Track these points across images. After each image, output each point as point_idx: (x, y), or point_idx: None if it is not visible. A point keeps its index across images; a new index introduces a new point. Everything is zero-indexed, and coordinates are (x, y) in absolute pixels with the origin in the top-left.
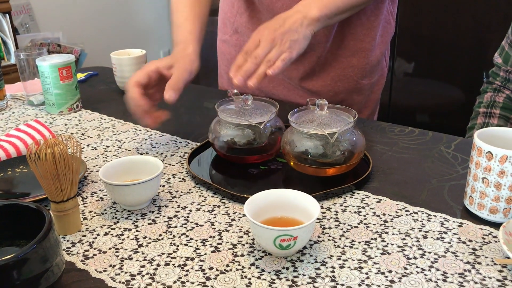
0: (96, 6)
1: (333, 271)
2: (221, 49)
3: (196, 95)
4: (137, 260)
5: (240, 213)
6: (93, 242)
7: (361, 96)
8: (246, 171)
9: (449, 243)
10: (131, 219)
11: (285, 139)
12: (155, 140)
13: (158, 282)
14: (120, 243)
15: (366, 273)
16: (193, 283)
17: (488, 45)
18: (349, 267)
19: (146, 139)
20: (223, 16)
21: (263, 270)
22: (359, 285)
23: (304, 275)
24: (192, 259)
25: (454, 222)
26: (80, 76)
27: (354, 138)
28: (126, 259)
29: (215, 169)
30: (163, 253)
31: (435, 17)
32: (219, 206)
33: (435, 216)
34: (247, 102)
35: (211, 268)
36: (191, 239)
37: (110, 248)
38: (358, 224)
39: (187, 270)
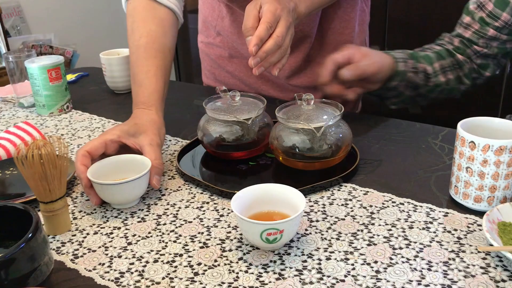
0: (87, 6)
1: (319, 263)
2: (204, 50)
3: (186, 93)
4: (126, 258)
5: (228, 209)
6: (82, 241)
7: None
8: (235, 167)
9: (434, 232)
10: (120, 218)
11: (273, 134)
12: None
13: (146, 279)
14: (109, 242)
15: (352, 264)
16: (181, 278)
17: None
18: (336, 259)
19: None
20: (203, 19)
21: (250, 264)
22: (345, 276)
23: (291, 267)
24: (181, 255)
25: (440, 212)
26: (71, 77)
27: (340, 132)
28: (115, 257)
29: (204, 166)
30: (152, 250)
31: (425, 7)
32: (208, 203)
33: (421, 206)
34: (234, 98)
35: (199, 264)
36: (180, 235)
37: (99, 247)
38: (345, 216)
39: (176, 266)
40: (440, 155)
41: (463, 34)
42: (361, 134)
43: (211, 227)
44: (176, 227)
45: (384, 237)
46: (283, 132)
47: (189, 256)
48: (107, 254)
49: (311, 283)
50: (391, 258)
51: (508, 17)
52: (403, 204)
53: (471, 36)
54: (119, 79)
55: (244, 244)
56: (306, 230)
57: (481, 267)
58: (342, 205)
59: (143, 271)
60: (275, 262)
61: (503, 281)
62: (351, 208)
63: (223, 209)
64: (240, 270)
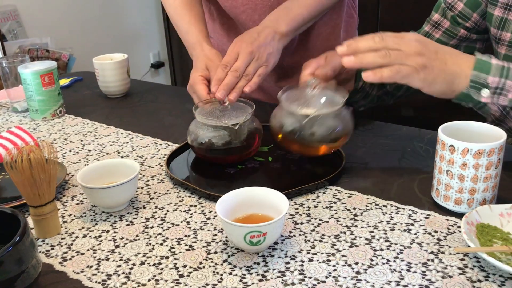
0: (84, 10)
1: (302, 265)
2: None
3: (180, 97)
4: (113, 261)
5: (215, 212)
6: (71, 244)
7: None
8: (224, 171)
9: (415, 234)
10: (109, 221)
11: (277, 119)
12: (136, 143)
13: (133, 281)
14: (98, 245)
15: (334, 266)
16: (166, 280)
17: None
18: (318, 260)
19: (127, 142)
20: None
21: (234, 266)
22: (326, 277)
23: (274, 269)
24: (167, 257)
25: (421, 214)
26: (65, 81)
27: (341, 119)
28: (103, 259)
29: (193, 170)
30: (139, 253)
31: (416, 12)
32: (195, 206)
33: (403, 208)
34: (224, 104)
35: (184, 266)
36: (167, 238)
37: (88, 250)
38: (329, 218)
39: (162, 269)
40: (425, 158)
41: (434, 34)
42: None
43: (198, 230)
44: (164, 230)
45: (366, 239)
46: (285, 118)
47: (175, 259)
48: (95, 257)
49: (293, 284)
50: (371, 260)
51: (478, 18)
52: (386, 206)
53: (442, 37)
54: (111, 83)
55: (229, 246)
56: (291, 232)
57: (459, 268)
58: (327, 207)
59: (129, 273)
60: (258, 264)
61: (479, 281)
62: (335, 210)
63: (210, 212)
64: (224, 272)
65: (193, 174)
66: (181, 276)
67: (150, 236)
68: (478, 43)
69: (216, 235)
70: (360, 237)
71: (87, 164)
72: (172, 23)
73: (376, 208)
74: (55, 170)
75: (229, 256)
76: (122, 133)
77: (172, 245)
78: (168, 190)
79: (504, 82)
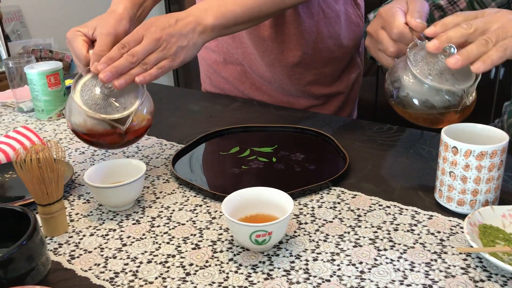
0: (87, 11)
1: (306, 264)
2: (201, 55)
3: (183, 98)
4: (121, 259)
5: (220, 212)
6: (79, 242)
7: (341, 95)
8: (229, 171)
9: (418, 234)
10: (116, 220)
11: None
12: (141, 143)
13: (140, 279)
14: (105, 243)
15: (338, 265)
16: (173, 278)
17: None
18: (322, 260)
19: None
20: None
21: (240, 265)
22: (331, 276)
23: (279, 268)
24: (173, 256)
25: (424, 214)
26: (70, 82)
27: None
28: (110, 258)
29: (198, 170)
30: (146, 251)
31: None
32: (200, 206)
33: (406, 209)
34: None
35: (191, 264)
36: (173, 237)
37: (95, 248)
38: (333, 219)
39: (168, 267)
40: (428, 159)
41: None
42: (351, 139)
43: (203, 229)
44: (170, 229)
45: (370, 239)
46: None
47: (182, 257)
48: (102, 255)
49: (298, 282)
50: (375, 259)
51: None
52: (389, 207)
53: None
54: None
55: (235, 245)
56: (295, 232)
57: (462, 268)
58: (331, 208)
59: (137, 271)
60: (264, 262)
61: (482, 281)
62: (339, 211)
63: (215, 211)
64: (230, 271)
65: (198, 174)
66: (188, 274)
67: (157, 235)
68: None
69: (221, 234)
70: (364, 237)
71: (93, 164)
72: None
73: (380, 209)
74: (63, 169)
75: (234, 255)
76: None
77: (179, 243)
78: (173, 190)
79: None
